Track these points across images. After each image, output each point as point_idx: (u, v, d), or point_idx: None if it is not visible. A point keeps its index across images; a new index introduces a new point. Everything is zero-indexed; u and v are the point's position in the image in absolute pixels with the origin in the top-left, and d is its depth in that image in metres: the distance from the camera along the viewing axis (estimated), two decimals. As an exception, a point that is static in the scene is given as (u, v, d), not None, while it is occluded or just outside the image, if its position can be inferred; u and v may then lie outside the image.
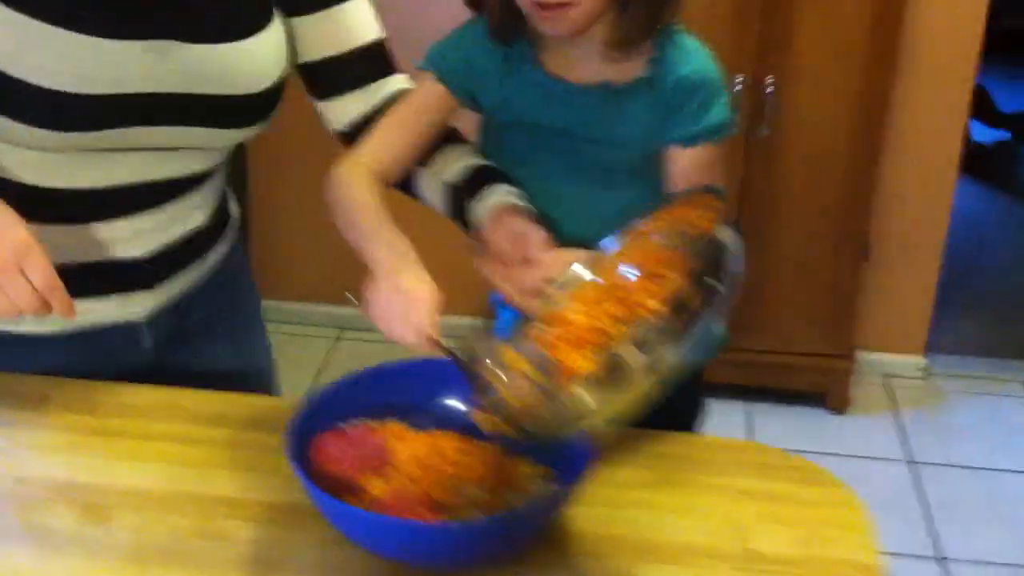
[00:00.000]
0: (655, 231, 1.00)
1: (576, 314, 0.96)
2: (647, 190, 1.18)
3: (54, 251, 1.07)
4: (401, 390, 1.09)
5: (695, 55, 1.15)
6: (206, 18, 1.17)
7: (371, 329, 1.04)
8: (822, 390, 2.83)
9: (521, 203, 1.16)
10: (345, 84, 1.28)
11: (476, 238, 1.16)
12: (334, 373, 1.43)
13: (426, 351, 1.01)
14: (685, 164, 1.15)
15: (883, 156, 2.61)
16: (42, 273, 1.06)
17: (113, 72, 1.12)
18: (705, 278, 0.88)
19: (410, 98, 1.22)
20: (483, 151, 1.24)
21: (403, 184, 1.26)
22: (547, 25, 1.10)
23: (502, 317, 1.39)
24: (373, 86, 1.28)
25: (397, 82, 1.30)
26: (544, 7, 1.08)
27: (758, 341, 2.72)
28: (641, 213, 1.06)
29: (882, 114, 2.52)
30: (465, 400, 1.06)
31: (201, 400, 1.23)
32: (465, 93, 1.20)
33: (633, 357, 0.86)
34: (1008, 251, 3.71)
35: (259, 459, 1.11)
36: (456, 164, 1.22)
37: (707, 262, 0.90)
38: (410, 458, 1.01)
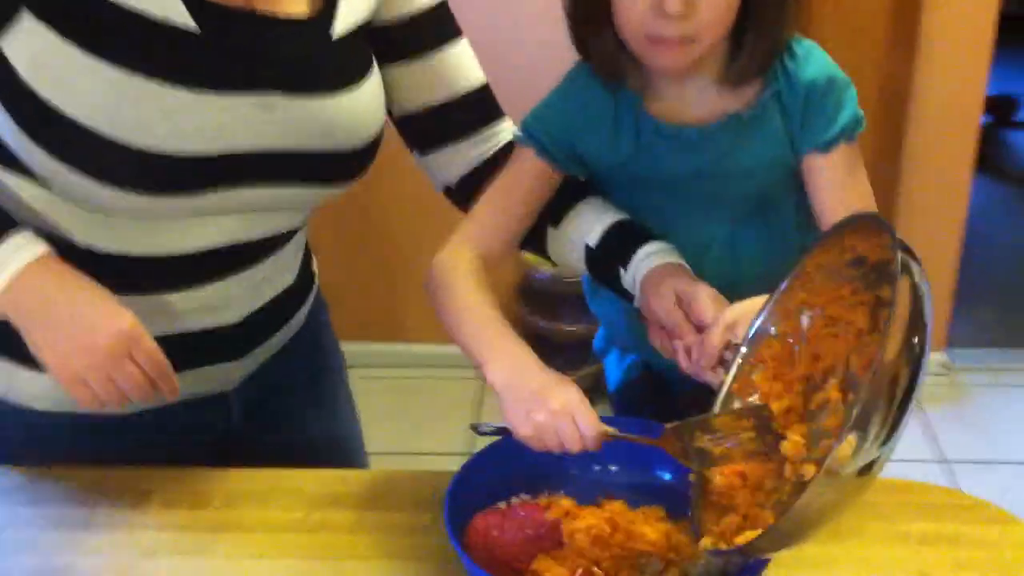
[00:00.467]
0: (826, 265, 0.93)
1: (765, 381, 0.89)
2: (788, 217, 1.11)
3: (143, 323, 1.00)
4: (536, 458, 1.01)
5: (814, 55, 1.08)
6: (310, 69, 1.08)
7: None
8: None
9: (678, 260, 1.08)
10: (450, 134, 1.20)
11: (642, 309, 1.08)
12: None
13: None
14: (830, 171, 1.07)
15: (902, 147, 2.58)
16: (151, 359, 1.00)
17: (216, 129, 1.02)
18: (913, 339, 0.79)
19: (510, 175, 1.13)
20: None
21: (526, 242, 1.18)
22: (665, 60, 1.03)
23: (608, 370, 1.33)
24: (480, 135, 1.20)
25: (505, 128, 1.21)
26: (661, 43, 1.00)
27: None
28: (797, 246, 1.00)
29: (904, 103, 2.48)
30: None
31: (315, 480, 1.14)
32: (572, 163, 1.12)
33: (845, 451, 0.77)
34: (1008, 236, 3.71)
35: (399, 544, 1.03)
36: (595, 224, 1.13)
37: (911, 311, 0.81)
38: (584, 535, 0.93)
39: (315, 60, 1.09)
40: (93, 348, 0.98)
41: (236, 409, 1.22)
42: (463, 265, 1.07)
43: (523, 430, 0.91)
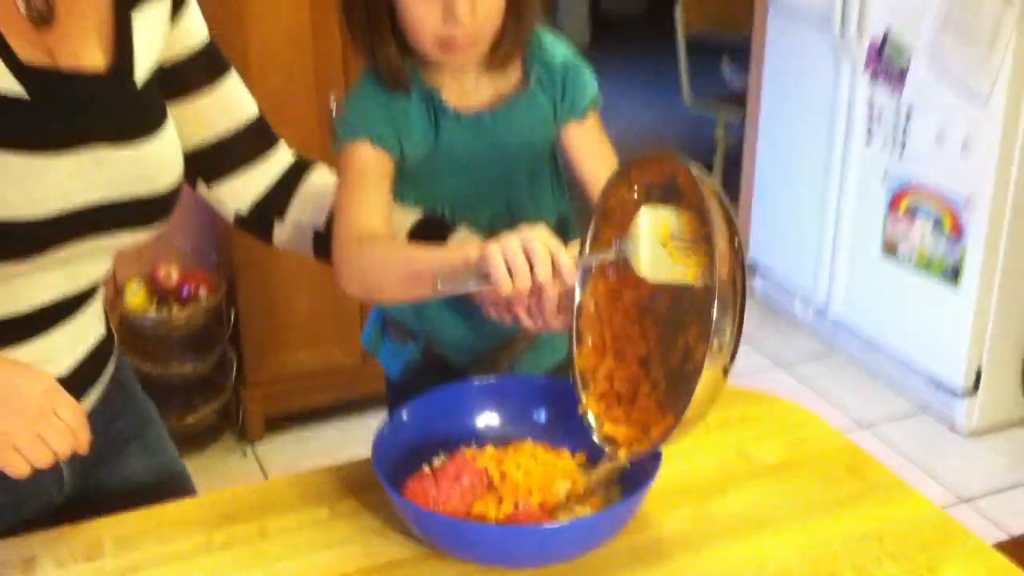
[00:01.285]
0: (623, 199, 1.12)
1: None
2: (546, 184, 1.33)
3: None
4: (442, 418, 1.17)
5: (556, 42, 1.29)
6: (127, 119, 1.11)
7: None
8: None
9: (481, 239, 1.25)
10: (237, 163, 1.27)
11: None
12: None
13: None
14: (587, 135, 1.28)
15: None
16: (73, 411, 1.02)
17: (61, 189, 1.03)
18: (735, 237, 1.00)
19: (354, 171, 1.21)
20: (408, 199, 1.28)
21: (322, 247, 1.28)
22: (458, 58, 1.20)
23: (386, 360, 1.46)
24: (265, 160, 1.29)
25: (284, 152, 1.30)
26: (453, 45, 1.18)
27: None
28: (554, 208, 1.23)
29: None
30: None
31: (206, 504, 1.17)
32: (398, 150, 1.23)
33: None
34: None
35: (310, 539, 1.11)
36: (400, 226, 1.25)
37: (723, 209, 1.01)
38: (512, 477, 1.09)
39: (130, 110, 1.12)
40: (23, 409, 0.97)
41: (67, 467, 1.20)
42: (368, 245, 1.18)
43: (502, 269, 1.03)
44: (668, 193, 1.08)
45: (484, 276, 1.04)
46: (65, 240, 1.05)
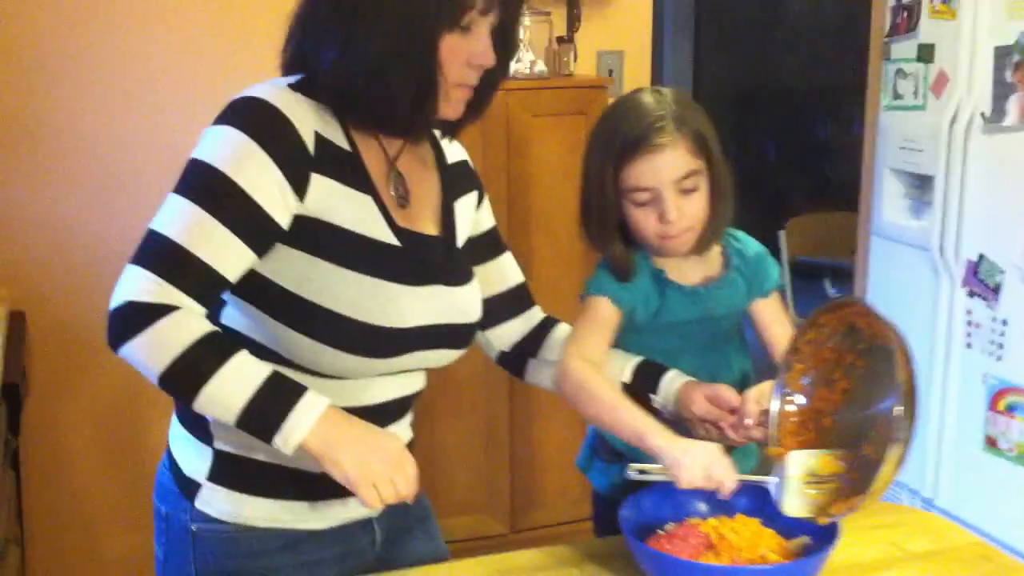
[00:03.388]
0: (813, 340, 1.55)
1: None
2: (735, 345, 1.75)
3: None
4: (665, 505, 1.54)
5: (746, 238, 1.75)
6: (455, 269, 1.57)
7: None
8: None
9: (692, 378, 1.65)
10: (505, 314, 1.72)
11: (676, 419, 1.62)
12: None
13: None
14: (771, 310, 1.73)
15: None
16: (412, 466, 1.41)
17: (414, 311, 1.48)
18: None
19: (590, 315, 1.66)
20: (623, 346, 1.71)
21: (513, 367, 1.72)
22: (674, 246, 1.65)
23: (594, 479, 1.84)
24: (525, 315, 1.74)
25: (538, 312, 1.75)
26: (670, 237, 1.63)
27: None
28: (737, 365, 1.67)
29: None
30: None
31: (487, 563, 1.57)
32: (629, 308, 1.66)
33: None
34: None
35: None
36: (624, 366, 1.67)
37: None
38: (729, 539, 1.45)
39: (455, 264, 1.59)
40: (387, 457, 1.38)
41: (379, 533, 1.59)
42: (591, 371, 1.59)
43: (686, 478, 1.44)
44: (849, 336, 1.49)
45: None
46: (414, 348, 1.49)
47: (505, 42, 1.52)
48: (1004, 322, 3.16)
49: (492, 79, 1.53)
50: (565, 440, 3.13)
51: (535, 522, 3.37)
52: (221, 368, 1.33)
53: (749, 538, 1.46)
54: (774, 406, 1.54)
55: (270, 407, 1.35)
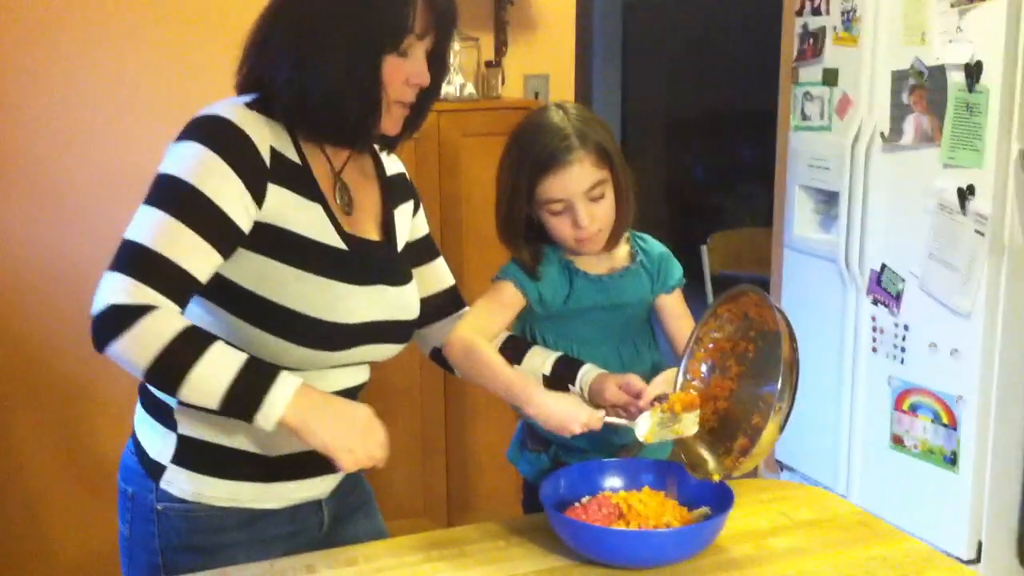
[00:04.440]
0: (715, 330, 1.75)
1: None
2: (644, 337, 1.94)
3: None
4: (581, 482, 1.72)
5: (652, 242, 1.93)
6: (397, 270, 1.74)
7: None
8: None
9: (602, 370, 1.83)
10: (439, 313, 1.88)
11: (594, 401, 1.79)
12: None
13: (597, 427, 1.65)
14: (673, 305, 1.91)
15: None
16: (382, 431, 1.56)
17: (361, 308, 1.64)
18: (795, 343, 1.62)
19: (494, 296, 1.82)
20: (543, 335, 1.88)
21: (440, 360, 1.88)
22: (588, 248, 1.83)
23: (523, 468, 2.01)
24: (457, 315, 1.90)
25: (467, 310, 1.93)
26: (584, 240, 1.81)
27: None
28: (648, 357, 1.86)
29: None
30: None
31: (425, 538, 1.70)
32: (535, 295, 1.82)
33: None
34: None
35: (498, 555, 1.65)
36: (545, 360, 1.83)
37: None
38: (636, 508, 1.64)
39: (396, 265, 1.75)
40: (357, 425, 1.53)
41: (326, 515, 1.75)
42: (480, 338, 1.76)
43: (575, 429, 1.64)
44: (743, 324, 1.68)
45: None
46: (361, 342, 1.65)
47: (438, 64, 1.70)
48: (906, 327, 3.40)
49: (427, 98, 1.70)
50: (497, 443, 3.29)
51: (471, 523, 3.51)
52: (201, 358, 1.45)
53: (655, 508, 1.64)
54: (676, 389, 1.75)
55: (249, 390, 1.46)
